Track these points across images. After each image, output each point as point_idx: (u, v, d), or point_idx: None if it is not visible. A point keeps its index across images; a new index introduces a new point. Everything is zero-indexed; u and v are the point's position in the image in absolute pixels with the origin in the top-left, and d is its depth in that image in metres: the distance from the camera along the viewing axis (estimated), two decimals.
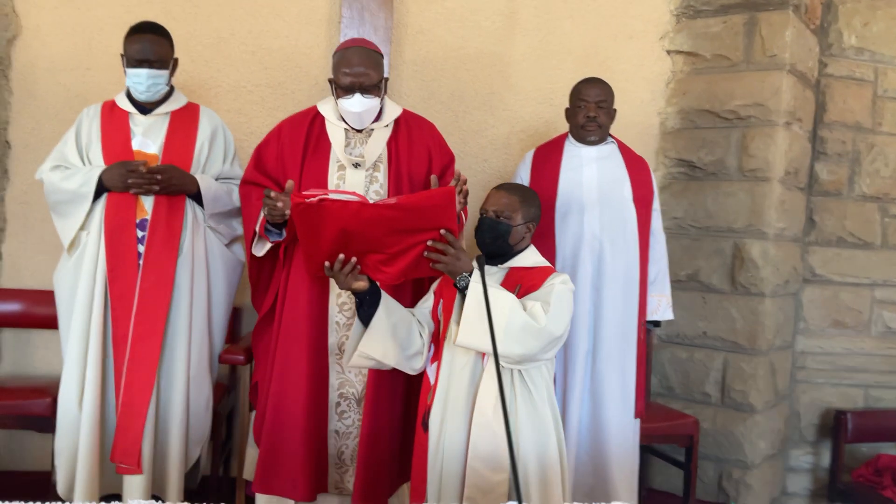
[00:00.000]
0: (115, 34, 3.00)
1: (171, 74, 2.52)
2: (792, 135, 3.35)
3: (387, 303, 1.96)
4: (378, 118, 2.41)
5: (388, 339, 1.96)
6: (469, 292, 1.87)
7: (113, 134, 2.43)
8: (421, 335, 2.04)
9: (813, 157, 3.63)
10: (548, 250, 2.59)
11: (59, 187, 2.39)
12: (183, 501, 2.36)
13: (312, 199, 1.79)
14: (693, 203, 3.47)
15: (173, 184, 2.35)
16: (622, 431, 2.62)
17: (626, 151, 2.80)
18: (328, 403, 2.26)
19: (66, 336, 2.36)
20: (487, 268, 2.06)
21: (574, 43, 3.47)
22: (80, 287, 2.33)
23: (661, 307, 2.78)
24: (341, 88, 2.29)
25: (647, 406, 3.28)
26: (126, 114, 2.48)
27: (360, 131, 2.39)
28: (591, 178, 2.67)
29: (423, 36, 3.37)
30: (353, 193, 1.95)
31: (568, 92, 3.38)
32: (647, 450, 3.42)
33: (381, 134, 2.41)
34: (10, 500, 1.54)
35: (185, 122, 2.51)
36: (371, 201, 1.95)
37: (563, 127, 3.40)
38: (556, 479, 1.97)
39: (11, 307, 3.06)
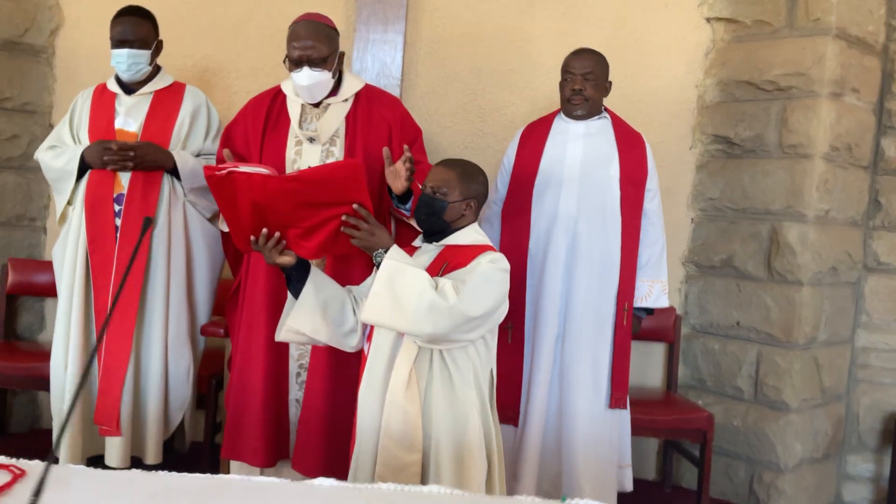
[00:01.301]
0: None
1: (155, 55, 2.90)
2: (842, 106, 3.28)
3: (316, 279, 2.18)
4: (336, 93, 2.61)
5: (317, 315, 2.17)
6: (381, 268, 2.04)
7: (99, 114, 2.84)
8: (355, 312, 2.22)
9: (878, 132, 3.50)
10: (522, 229, 2.74)
11: (50, 165, 2.82)
12: (160, 463, 2.71)
13: (222, 171, 2.01)
14: (730, 183, 3.46)
15: (147, 160, 2.69)
16: (591, 421, 2.74)
17: (620, 127, 2.86)
18: (288, 373, 2.54)
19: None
20: (425, 245, 2.22)
21: (601, 14, 3.55)
22: (65, 259, 2.73)
23: (654, 294, 2.84)
24: (291, 62, 2.52)
25: (668, 398, 3.34)
26: (113, 95, 2.89)
27: (317, 106, 2.61)
28: (575, 154, 2.77)
29: (440, 13, 3.56)
30: (264, 166, 2.14)
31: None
32: (672, 445, 3.46)
33: (339, 108, 2.62)
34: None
35: (167, 101, 2.87)
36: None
37: None
38: (476, 464, 2.12)
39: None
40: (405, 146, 2.44)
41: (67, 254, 2.76)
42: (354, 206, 2.08)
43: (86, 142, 2.81)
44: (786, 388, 3.29)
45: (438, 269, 2.15)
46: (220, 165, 2.06)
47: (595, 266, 2.72)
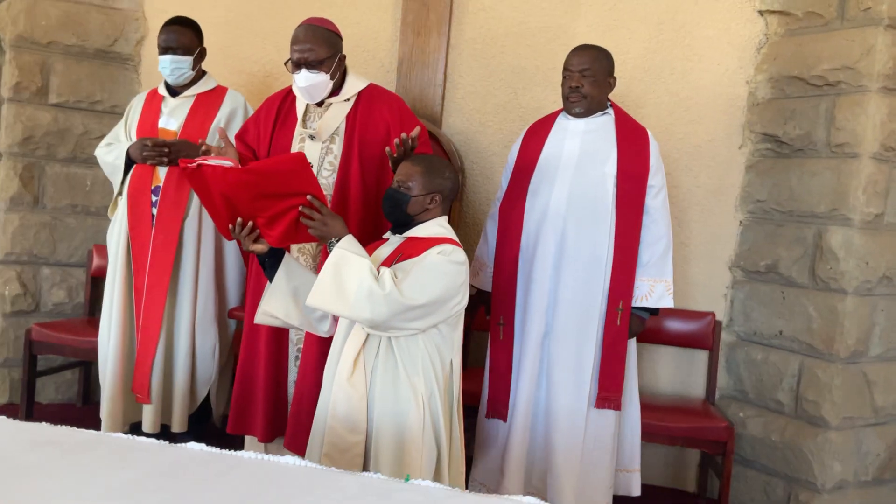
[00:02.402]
0: (222, 32, 3.98)
1: (198, 62, 3.42)
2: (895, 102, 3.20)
3: (288, 266, 2.54)
4: (337, 93, 2.96)
5: (288, 300, 2.53)
6: (329, 256, 2.35)
7: (147, 114, 3.41)
8: None
9: None
10: (515, 225, 2.98)
11: (104, 160, 3.40)
12: (185, 431, 3.19)
13: (193, 164, 2.39)
14: (778, 184, 3.50)
15: (180, 155, 3.17)
16: (572, 419, 2.92)
17: (622, 123, 3.02)
18: (288, 356, 2.90)
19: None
20: (391, 236, 2.52)
21: (647, 9, 3.70)
22: (112, 243, 3.26)
23: (655, 293, 2.96)
24: (292, 64, 2.89)
25: (695, 406, 3.41)
26: (161, 98, 3.44)
27: (320, 105, 2.98)
28: (572, 152, 2.95)
29: (485, 13, 3.85)
30: (229, 159, 2.49)
31: (640, 63, 3.65)
32: (706, 458, 3.53)
33: (339, 108, 2.98)
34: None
35: (207, 103, 3.39)
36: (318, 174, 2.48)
37: (631, 101, 3.67)
38: (418, 451, 2.39)
39: None
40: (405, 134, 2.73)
41: (114, 239, 3.36)
42: (308, 197, 2.40)
43: (134, 139, 3.36)
44: (825, 404, 3.28)
45: (393, 259, 2.44)
46: (191, 159, 2.45)
47: (581, 263, 2.91)
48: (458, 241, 2.53)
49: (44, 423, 1.94)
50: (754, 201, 3.60)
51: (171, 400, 3.29)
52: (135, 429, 3.33)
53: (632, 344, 3.16)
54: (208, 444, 3.39)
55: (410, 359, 2.43)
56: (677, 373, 3.76)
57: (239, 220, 2.45)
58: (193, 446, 1.85)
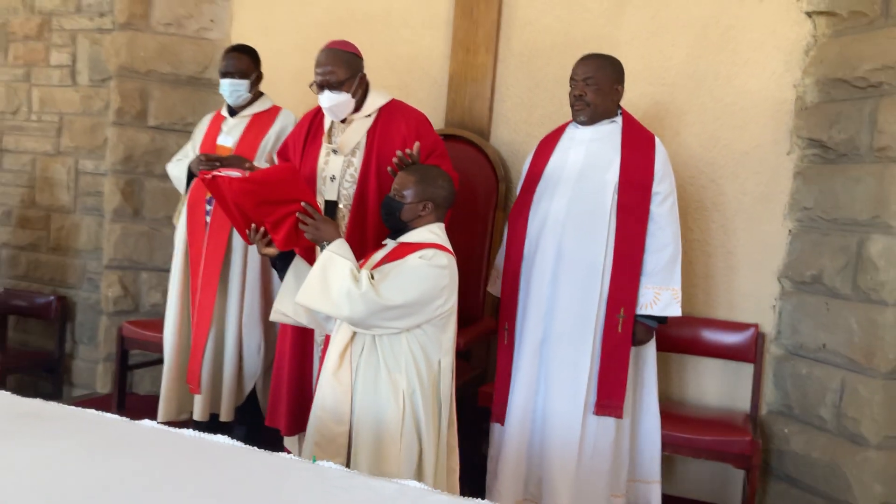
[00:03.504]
0: (298, 57, 4.31)
1: (255, 85, 3.73)
2: None
3: (297, 267, 2.74)
4: (359, 109, 3.14)
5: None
6: (318, 258, 2.53)
7: (209, 133, 3.76)
8: None
9: None
10: (519, 232, 3.07)
11: (171, 174, 3.80)
12: (232, 419, 3.52)
13: (208, 175, 2.65)
14: (823, 191, 3.37)
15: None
16: (569, 426, 2.94)
17: (630, 131, 3.03)
18: (312, 354, 3.11)
19: None
20: (389, 241, 2.68)
21: (691, 14, 3.66)
22: (176, 248, 3.61)
23: (661, 301, 2.93)
24: (316, 86, 3.09)
25: (729, 420, 3.32)
26: (222, 118, 3.76)
27: (343, 122, 3.17)
28: (576, 160, 3.00)
29: (531, 27, 3.95)
30: (238, 171, 2.72)
31: (684, 69, 3.66)
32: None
33: (361, 124, 3.18)
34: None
35: (261, 122, 3.69)
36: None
37: (676, 107, 3.65)
38: (395, 446, 2.52)
39: None
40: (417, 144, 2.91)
41: (177, 243, 3.71)
42: (302, 203, 2.61)
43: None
44: (864, 420, 3.10)
45: (383, 262, 2.60)
46: (209, 171, 2.72)
47: (579, 270, 2.95)
48: (447, 246, 2.66)
49: (37, 400, 2.27)
50: (802, 209, 3.46)
51: (219, 392, 3.60)
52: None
53: (649, 352, 3.15)
54: (254, 434, 3.68)
55: (393, 356, 2.59)
56: (724, 386, 3.66)
57: (253, 225, 2.71)
58: (145, 423, 2.08)
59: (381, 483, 1.71)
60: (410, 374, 2.59)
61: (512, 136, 4.01)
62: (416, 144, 2.90)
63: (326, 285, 2.56)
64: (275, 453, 1.88)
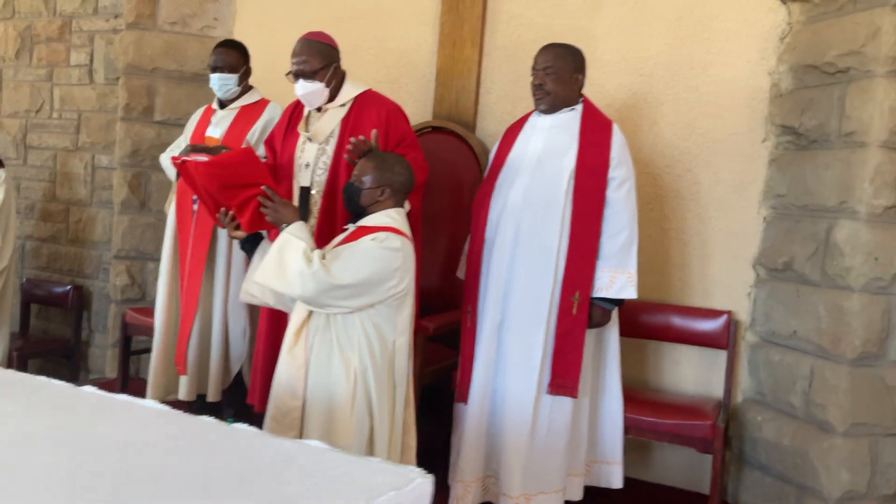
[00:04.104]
0: (288, 51, 4.32)
1: (243, 79, 3.84)
2: None
3: (264, 249, 2.84)
4: (334, 99, 3.22)
5: None
6: (276, 239, 2.62)
7: (199, 124, 3.90)
8: None
9: None
10: (481, 219, 3.13)
11: (163, 164, 3.99)
12: (219, 400, 3.63)
13: (178, 160, 2.76)
14: (795, 178, 3.36)
15: None
16: (522, 405, 2.96)
17: (589, 118, 3.07)
18: (285, 335, 3.19)
19: None
20: (348, 225, 2.76)
21: (667, 5, 3.70)
22: (165, 234, 3.76)
23: (616, 284, 2.96)
24: (292, 75, 3.19)
25: (696, 405, 3.32)
26: (213, 110, 3.89)
27: (319, 110, 3.26)
28: (536, 148, 3.06)
29: (515, 21, 4.00)
30: (205, 155, 2.82)
31: (660, 59, 3.69)
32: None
33: (335, 113, 3.26)
34: None
35: (248, 114, 3.81)
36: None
37: (653, 97, 3.67)
38: (346, 420, 2.60)
39: None
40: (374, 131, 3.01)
41: (167, 231, 3.85)
42: (263, 187, 2.71)
43: None
44: (831, 408, 3.07)
45: (340, 245, 2.68)
46: (179, 156, 2.83)
47: (533, 254, 2.99)
48: (403, 230, 2.73)
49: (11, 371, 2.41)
50: (775, 196, 3.45)
51: (206, 374, 3.72)
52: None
53: (612, 335, 3.19)
54: (242, 415, 3.79)
55: (347, 335, 2.66)
56: (700, 373, 3.65)
57: (223, 209, 2.82)
58: (86, 388, 2.20)
59: (282, 441, 1.80)
60: (363, 352, 2.66)
61: (497, 129, 4.04)
62: (374, 132, 2.99)
63: (282, 265, 2.65)
64: (196, 416, 1.97)
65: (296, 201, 3.29)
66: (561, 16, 3.90)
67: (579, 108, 3.12)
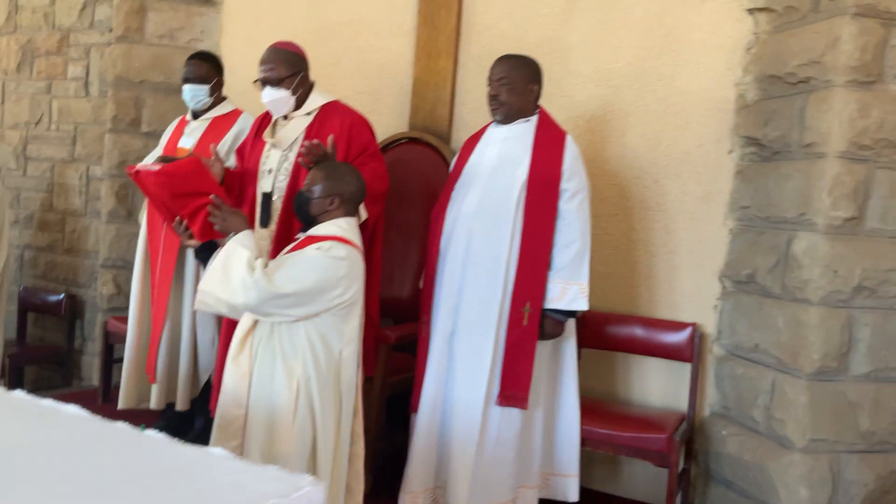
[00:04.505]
0: None
1: (215, 90, 3.89)
2: (870, 96, 2.92)
3: (215, 258, 2.83)
4: (300, 107, 3.25)
5: None
6: (223, 249, 2.64)
7: (173, 135, 3.96)
8: None
9: None
10: (437, 229, 3.11)
11: None
12: (187, 409, 3.64)
13: (133, 169, 2.80)
14: (759, 189, 3.32)
15: None
16: (470, 416, 2.95)
17: (543, 129, 3.06)
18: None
19: None
20: (299, 234, 2.78)
21: (636, 16, 3.67)
22: (138, 244, 3.83)
23: (568, 296, 2.94)
24: (260, 82, 3.23)
25: (655, 418, 3.29)
26: (186, 121, 3.92)
27: (285, 118, 3.29)
28: (491, 158, 3.06)
29: (489, 32, 4.01)
30: (157, 165, 2.86)
31: (629, 71, 3.67)
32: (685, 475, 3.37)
33: (300, 121, 3.29)
34: None
35: (220, 125, 3.86)
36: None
37: (622, 108, 3.66)
38: (286, 431, 2.58)
39: None
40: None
41: (140, 241, 3.90)
42: (211, 196, 2.73)
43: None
44: (790, 422, 3.01)
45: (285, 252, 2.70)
46: (133, 165, 2.88)
47: (484, 264, 2.98)
48: (352, 240, 2.73)
49: None
50: (740, 208, 3.40)
51: (175, 382, 3.74)
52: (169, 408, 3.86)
53: (569, 347, 3.17)
54: (211, 425, 3.80)
55: (291, 344, 2.66)
56: (669, 386, 3.60)
57: (178, 218, 2.85)
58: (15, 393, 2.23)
59: (186, 448, 1.81)
60: (307, 361, 2.65)
61: None
62: (330, 137, 3.00)
63: (227, 274, 2.66)
64: (112, 421, 1.99)
65: (258, 207, 3.33)
66: (534, 27, 3.90)
67: (534, 119, 3.11)
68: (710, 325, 3.51)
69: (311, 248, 2.64)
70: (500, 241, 2.96)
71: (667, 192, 3.59)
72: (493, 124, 3.19)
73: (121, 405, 3.76)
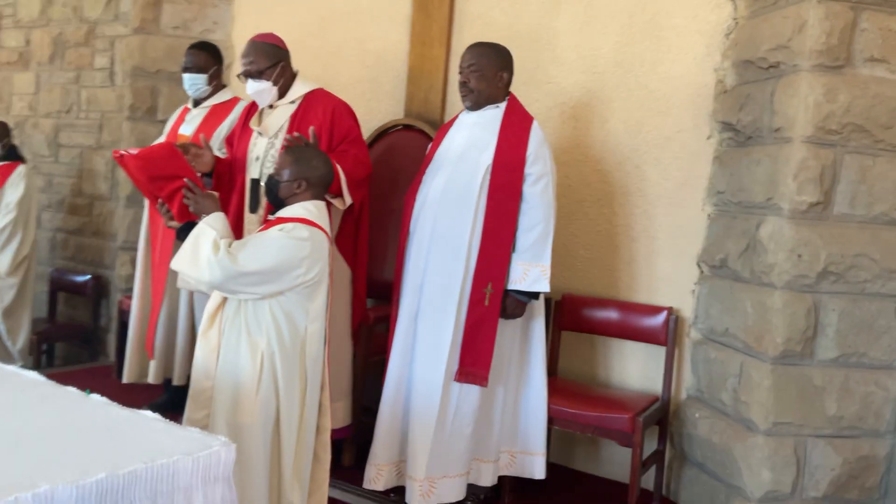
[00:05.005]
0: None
1: (213, 79, 4.04)
2: (837, 80, 2.91)
3: None
4: (284, 96, 3.38)
5: None
6: (194, 228, 2.78)
7: (175, 123, 4.14)
8: None
9: None
10: (407, 212, 3.18)
11: None
12: (185, 384, 3.80)
13: (118, 154, 2.96)
14: (734, 174, 3.32)
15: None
16: (430, 391, 3.05)
17: (511, 115, 3.14)
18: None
19: None
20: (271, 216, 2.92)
21: (620, 3, 3.68)
22: (142, 225, 4.00)
23: (530, 277, 3.01)
24: (242, 75, 3.37)
25: (624, 398, 3.34)
26: (187, 109, 4.08)
27: (271, 107, 3.43)
28: (459, 143, 3.14)
29: (481, 20, 4.08)
30: (135, 149, 3.00)
31: (612, 57, 3.71)
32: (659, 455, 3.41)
33: (284, 109, 3.44)
34: None
35: (218, 113, 4.00)
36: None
37: (605, 95, 3.70)
38: (249, 402, 2.72)
39: None
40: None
41: (143, 222, 4.08)
42: (185, 180, 2.88)
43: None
44: (754, 405, 3.03)
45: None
46: (118, 150, 3.04)
47: (447, 246, 3.07)
48: (317, 222, 2.85)
49: None
50: (716, 193, 3.41)
51: (171, 357, 3.95)
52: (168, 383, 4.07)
53: (536, 328, 3.25)
54: None
55: (256, 320, 2.79)
56: (648, 369, 3.63)
57: (160, 200, 3.01)
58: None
59: (120, 410, 1.95)
60: (272, 337, 2.78)
61: None
62: (311, 129, 3.13)
63: (196, 253, 2.80)
64: (62, 385, 2.15)
65: (247, 193, 3.48)
66: (523, 15, 3.96)
67: (503, 105, 3.18)
68: (688, 309, 3.54)
69: (274, 230, 2.77)
70: (463, 224, 3.04)
71: (648, 177, 3.62)
72: (464, 111, 3.27)
73: (124, 379, 3.98)
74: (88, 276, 5.53)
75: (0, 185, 4.91)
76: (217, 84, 4.09)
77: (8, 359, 5.06)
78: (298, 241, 2.74)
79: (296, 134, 3.11)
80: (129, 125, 5.01)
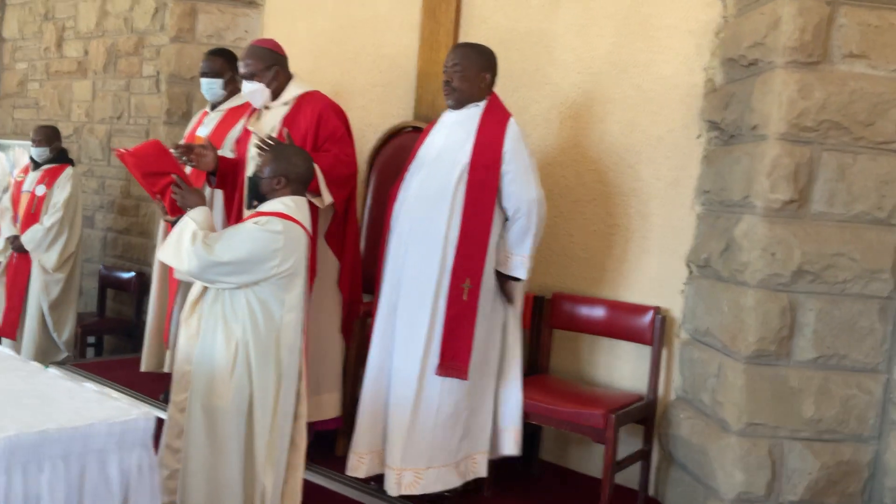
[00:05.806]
0: (310, 59, 4.76)
1: (229, 84, 4.22)
2: (812, 77, 2.88)
3: None
4: (278, 98, 3.55)
5: None
6: (178, 222, 2.97)
7: (195, 125, 4.33)
8: None
9: None
10: (390, 210, 3.29)
11: None
12: None
13: (118, 151, 3.18)
14: (718, 173, 3.31)
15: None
16: (406, 383, 3.13)
17: (489, 114, 3.22)
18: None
19: None
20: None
21: (616, 5, 3.72)
22: (159, 223, 4.21)
23: (510, 263, 3.19)
24: (241, 77, 3.54)
25: (641, 400, 3.36)
26: (206, 112, 4.29)
27: (266, 108, 3.60)
28: (438, 142, 3.24)
29: (485, 24, 4.17)
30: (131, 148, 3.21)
31: (608, 58, 3.78)
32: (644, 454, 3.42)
33: (277, 111, 3.62)
34: None
35: (233, 115, 4.18)
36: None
37: (601, 95, 3.76)
38: (221, 384, 2.87)
39: None
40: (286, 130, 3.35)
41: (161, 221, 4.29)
42: (173, 175, 3.07)
43: None
44: (728, 405, 3.01)
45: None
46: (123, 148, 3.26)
47: (423, 242, 3.16)
48: (295, 216, 3.00)
49: None
50: (704, 192, 3.40)
51: None
52: None
53: (511, 324, 3.30)
54: None
55: (232, 309, 2.96)
56: (638, 368, 3.63)
57: (157, 195, 3.23)
58: None
59: (67, 382, 2.14)
60: (247, 325, 2.93)
61: None
62: (284, 130, 3.30)
63: (179, 244, 3.00)
64: (26, 362, 2.35)
65: (245, 190, 3.66)
66: (523, 18, 4.03)
67: (483, 104, 3.25)
68: (677, 309, 3.53)
69: (249, 222, 2.93)
70: (439, 221, 3.14)
71: (641, 177, 3.64)
72: (447, 110, 3.36)
73: (142, 368, 4.22)
74: (133, 273, 5.86)
75: (49, 186, 5.29)
76: (233, 88, 4.29)
77: (54, 349, 5.44)
78: (272, 234, 2.89)
79: (270, 135, 3.28)
80: (166, 129, 5.31)
